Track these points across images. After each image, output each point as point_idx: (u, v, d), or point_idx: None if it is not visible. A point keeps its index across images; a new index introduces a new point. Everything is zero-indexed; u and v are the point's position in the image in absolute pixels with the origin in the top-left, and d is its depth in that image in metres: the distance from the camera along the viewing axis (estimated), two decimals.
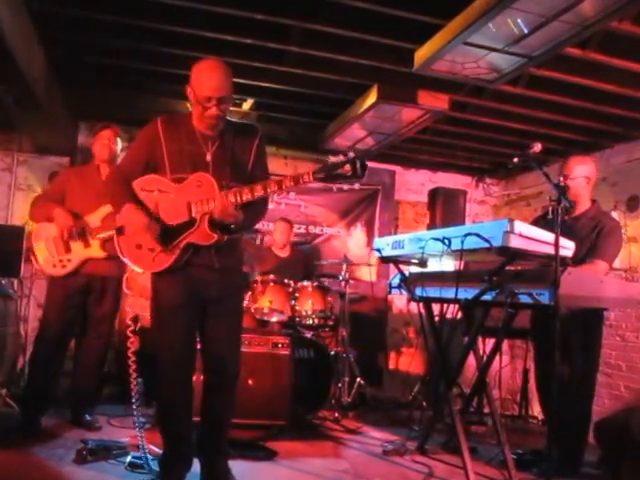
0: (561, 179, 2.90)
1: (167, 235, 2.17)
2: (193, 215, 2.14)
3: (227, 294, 2.29)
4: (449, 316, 2.99)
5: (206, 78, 2.11)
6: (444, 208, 4.95)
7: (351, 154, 2.05)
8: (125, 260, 2.28)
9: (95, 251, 3.05)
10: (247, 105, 4.50)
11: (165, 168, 2.20)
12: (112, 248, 2.99)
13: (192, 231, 2.15)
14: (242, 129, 2.33)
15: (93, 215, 3.06)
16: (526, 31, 2.74)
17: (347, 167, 2.02)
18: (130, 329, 2.43)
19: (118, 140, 3.25)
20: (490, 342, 3.86)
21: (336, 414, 3.83)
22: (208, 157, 2.20)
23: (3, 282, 3.94)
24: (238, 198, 2.09)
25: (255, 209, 2.25)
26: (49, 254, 3.04)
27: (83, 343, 3.22)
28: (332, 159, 2.06)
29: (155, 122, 2.23)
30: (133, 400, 2.43)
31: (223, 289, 2.27)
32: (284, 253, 4.62)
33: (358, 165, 2.01)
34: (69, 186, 3.14)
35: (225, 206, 2.07)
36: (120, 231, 2.27)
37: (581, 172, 2.92)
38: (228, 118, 2.28)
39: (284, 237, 4.58)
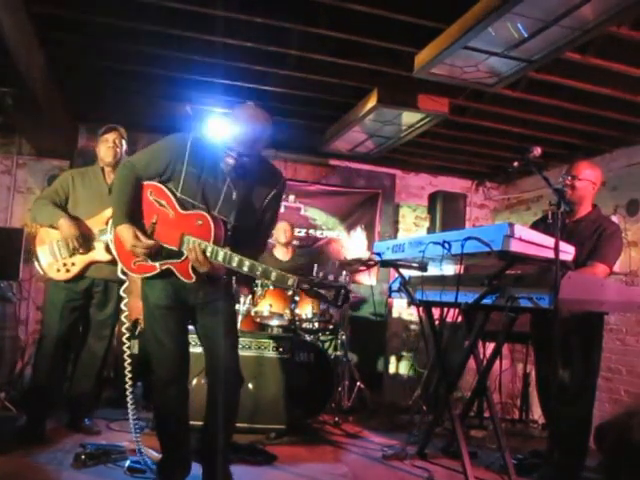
0: (569, 178, 2.92)
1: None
2: (182, 249, 2.16)
3: (214, 299, 2.30)
4: (449, 320, 2.99)
5: (239, 129, 2.12)
6: (444, 212, 4.95)
7: (341, 282, 2.09)
8: (114, 253, 2.32)
9: (99, 254, 3.00)
10: None
11: (178, 185, 2.21)
12: None
13: (176, 262, 2.18)
14: (267, 173, 2.32)
15: (98, 217, 3.01)
16: (526, 35, 2.74)
17: (331, 293, 2.05)
18: (126, 332, 2.42)
19: (123, 142, 3.17)
20: (490, 346, 3.85)
21: (336, 418, 3.83)
22: (221, 193, 2.21)
23: (2, 285, 3.94)
24: (226, 261, 2.09)
25: (249, 251, 2.21)
26: (53, 258, 3.00)
27: (83, 347, 3.20)
28: (321, 278, 2.07)
29: (185, 139, 2.22)
30: (129, 404, 2.42)
31: (209, 294, 2.28)
32: (285, 256, 4.61)
33: (342, 294, 2.04)
34: (72, 188, 3.09)
35: (199, 263, 2.09)
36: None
37: (588, 176, 2.93)
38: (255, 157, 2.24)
39: (284, 234, 4.57)
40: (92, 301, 3.13)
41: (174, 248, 2.17)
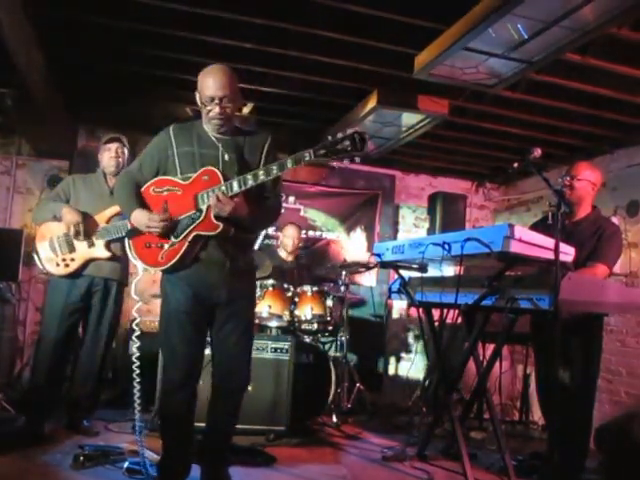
0: (567, 178, 2.92)
1: (175, 230, 2.20)
2: (199, 207, 2.18)
3: (237, 297, 2.29)
4: (449, 321, 2.98)
5: (208, 79, 2.20)
6: (444, 213, 4.95)
7: (350, 131, 2.08)
8: (135, 261, 2.30)
9: (99, 251, 3.03)
10: (247, 109, 4.51)
11: (175, 169, 2.25)
12: (116, 249, 3.03)
13: (199, 222, 2.18)
14: (253, 133, 2.40)
15: (99, 216, 3.05)
16: (526, 36, 2.74)
17: (347, 142, 2.04)
18: (135, 334, 2.41)
19: (126, 151, 3.22)
20: (490, 347, 3.85)
21: (335, 420, 3.82)
22: (219, 159, 2.25)
23: (1, 286, 3.94)
24: (242, 184, 2.12)
25: (266, 208, 2.32)
26: (53, 253, 3.02)
27: (82, 347, 3.19)
28: (330, 136, 2.07)
29: (167, 130, 2.31)
30: (136, 405, 2.40)
31: (233, 292, 2.26)
32: (289, 257, 4.61)
33: (357, 139, 2.03)
34: (73, 190, 3.14)
35: (218, 200, 2.11)
36: (130, 233, 2.31)
37: (587, 176, 2.93)
38: (239, 126, 2.35)
39: (292, 242, 4.56)
40: (92, 302, 3.13)
41: (193, 212, 2.19)
